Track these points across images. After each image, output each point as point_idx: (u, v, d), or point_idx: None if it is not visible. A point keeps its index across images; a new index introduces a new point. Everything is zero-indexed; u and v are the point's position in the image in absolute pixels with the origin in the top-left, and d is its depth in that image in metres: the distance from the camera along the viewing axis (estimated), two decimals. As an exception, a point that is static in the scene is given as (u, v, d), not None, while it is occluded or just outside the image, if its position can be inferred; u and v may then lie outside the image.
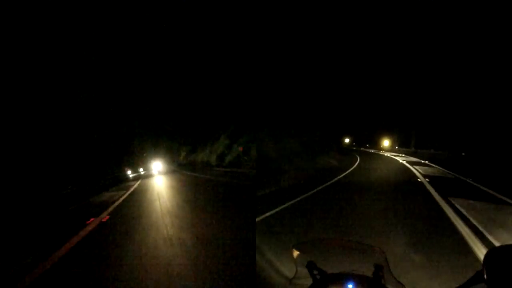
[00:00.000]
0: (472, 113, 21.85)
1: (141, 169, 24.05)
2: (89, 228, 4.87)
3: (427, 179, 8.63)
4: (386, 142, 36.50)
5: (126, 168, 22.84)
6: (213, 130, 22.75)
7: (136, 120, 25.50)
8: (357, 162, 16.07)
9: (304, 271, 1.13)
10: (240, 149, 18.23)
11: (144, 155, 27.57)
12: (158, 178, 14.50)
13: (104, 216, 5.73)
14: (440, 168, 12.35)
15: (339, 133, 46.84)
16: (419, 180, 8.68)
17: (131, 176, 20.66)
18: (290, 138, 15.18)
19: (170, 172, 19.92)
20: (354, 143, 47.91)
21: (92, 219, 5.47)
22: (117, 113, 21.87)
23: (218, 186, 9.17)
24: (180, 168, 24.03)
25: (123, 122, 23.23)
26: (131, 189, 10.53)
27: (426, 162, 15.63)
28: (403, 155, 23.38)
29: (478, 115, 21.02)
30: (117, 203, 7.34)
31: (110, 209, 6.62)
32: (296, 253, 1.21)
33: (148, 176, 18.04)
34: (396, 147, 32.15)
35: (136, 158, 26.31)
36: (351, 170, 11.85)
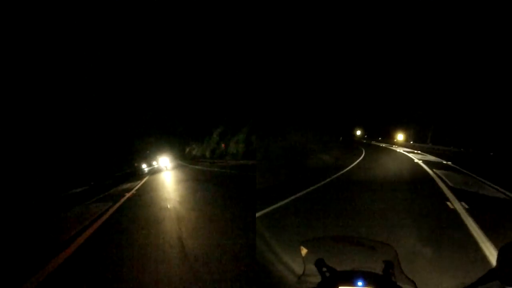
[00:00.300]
0: (497, 107, 19.66)
1: (144, 165, 23.97)
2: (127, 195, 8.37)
3: (466, 205, 4.60)
4: (400, 136, 33.69)
5: (138, 163, 23.90)
6: (207, 127, 25.72)
7: (143, 118, 26.27)
8: (359, 160, 13.70)
9: (313, 268, 1.12)
10: (223, 145, 21.66)
11: (148, 152, 28.32)
12: (170, 173, 15.15)
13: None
14: (473, 175, 8.35)
15: (351, 125, 45.20)
16: (450, 206, 4.63)
17: (146, 169, 22.53)
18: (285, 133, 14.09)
19: (182, 166, 20.95)
20: (365, 136, 45.87)
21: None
22: (123, 114, 22.75)
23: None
24: (186, 162, 25.51)
25: (128, 123, 24.15)
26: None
27: (449, 163, 11.80)
28: (419, 151, 19.97)
29: (505, 108, 18.84)
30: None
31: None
32: (304, 250, 1.21)
33: (159, 170, 18.97)
34: (411, 142, 29.51)
35: (140, 155, 27.20)
36: (347, 170, 9.65)
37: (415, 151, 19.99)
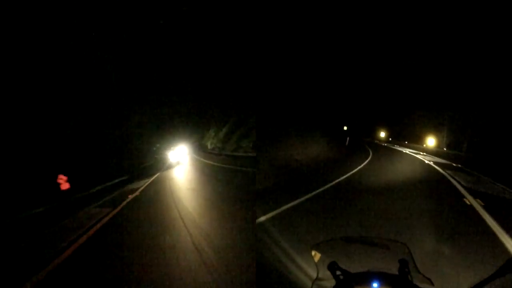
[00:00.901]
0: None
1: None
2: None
3: None
4: (431, 141, 27.74)
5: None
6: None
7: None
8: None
9: (326, 272, 1.11)
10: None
11: (158, 145, 25.23)
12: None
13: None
14: None
15: (373, 126, 42.03)
16: None
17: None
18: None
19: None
20: (390, 139, 41.20)
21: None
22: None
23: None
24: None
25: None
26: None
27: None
28: (456, 164, 14.78)
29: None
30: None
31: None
32: (316, 254, 1.20)
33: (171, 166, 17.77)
34: (445, 149, 24.52)
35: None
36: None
37: (452, 163, 14.00)
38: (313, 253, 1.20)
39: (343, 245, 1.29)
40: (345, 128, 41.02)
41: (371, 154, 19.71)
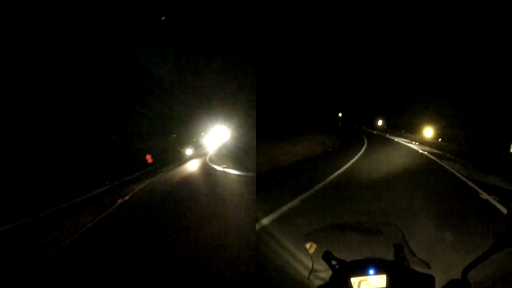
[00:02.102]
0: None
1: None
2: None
3: None
4: (428, 131, 25.39)
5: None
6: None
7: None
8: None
9: (321, 262, 1.07)
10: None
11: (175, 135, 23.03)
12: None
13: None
14: None
15: (371, 114, 42.02)
16: None
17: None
18: None
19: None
20: (385, 127, 40.23)
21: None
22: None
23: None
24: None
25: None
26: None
27: None
28: (467, 167, 11.44)
29: None
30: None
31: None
32: (309, 244, 1.15)
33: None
34: (439, 140, 22.91)
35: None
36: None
37: (460, 166, 11.42)
38: (307, 244, 1.16)
39: (336, 233, 1.25)
40: (339, 114, 40.59)
41: (365, 143, 19.28)
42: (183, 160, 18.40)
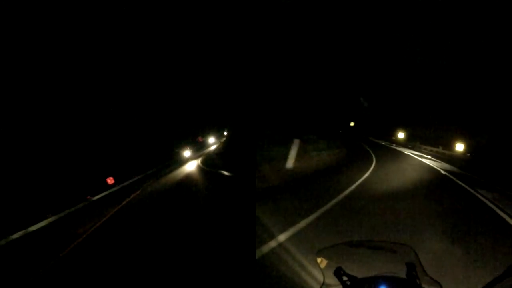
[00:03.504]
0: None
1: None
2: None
3: None
4: (460, 146, 20.51)
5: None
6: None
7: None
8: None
9: (332, 277, 1.09)
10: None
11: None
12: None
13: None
14: None
15: (392, 125, 39.25)
16: None
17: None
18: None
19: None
20: (408, 140, 33.89)
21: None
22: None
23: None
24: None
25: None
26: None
27: None
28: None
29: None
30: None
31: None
32: (321, 259, 1.18)
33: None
34: (468, 154, 19.06)
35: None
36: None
37: None
38: (318, 259, 1.19)
39: (348, 250, 1.27)
40: (351, 124, 38.08)
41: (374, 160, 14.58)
42: (182, 161, 26.71)
